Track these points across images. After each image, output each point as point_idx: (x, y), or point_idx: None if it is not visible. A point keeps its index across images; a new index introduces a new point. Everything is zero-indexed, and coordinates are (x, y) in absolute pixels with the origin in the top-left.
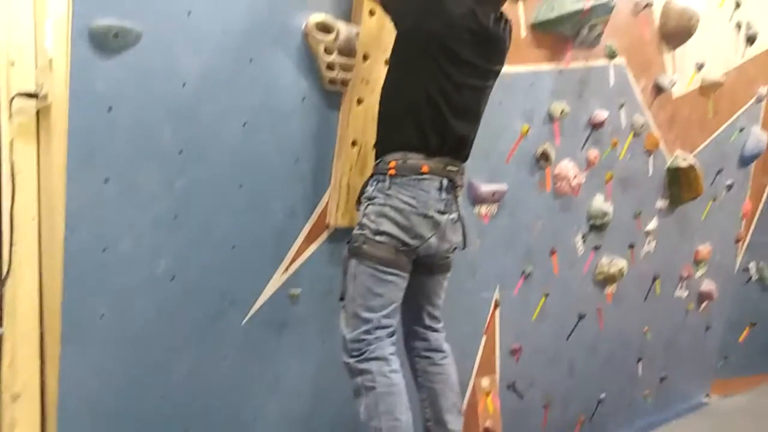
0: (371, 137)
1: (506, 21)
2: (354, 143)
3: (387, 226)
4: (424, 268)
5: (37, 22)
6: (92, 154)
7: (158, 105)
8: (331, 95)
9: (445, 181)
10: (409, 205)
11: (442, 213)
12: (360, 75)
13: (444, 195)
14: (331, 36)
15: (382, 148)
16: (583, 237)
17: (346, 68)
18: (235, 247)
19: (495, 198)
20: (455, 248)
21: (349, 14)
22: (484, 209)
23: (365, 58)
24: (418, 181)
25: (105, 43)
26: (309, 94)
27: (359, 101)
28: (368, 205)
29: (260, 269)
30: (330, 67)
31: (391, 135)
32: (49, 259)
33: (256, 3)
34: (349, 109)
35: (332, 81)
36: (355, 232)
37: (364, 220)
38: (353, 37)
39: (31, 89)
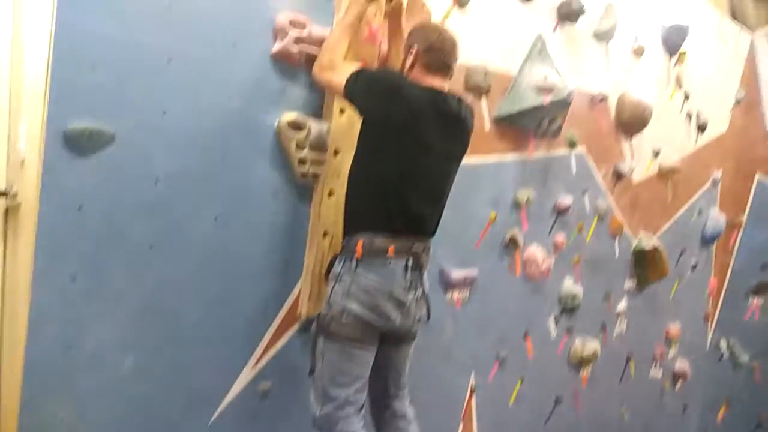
0: (341, 228)
1: (466, 105)
2: (325, 234)
3: (353, 306)
4: (390, 340)
5: (11, 123)
6: (60, 252)
7: (129, 202)
8: (303, 188)
9: (410, 261)
10: (375, 285)
11: (407, 291)
12: (331, 169)
13: (409, 274)
14: (303, 132)
15: (350, 227)
16: (555, 319)
17: (318, 163)
18: (204, 341)
19: (466, 283)
20: (420, 321)
21: (320, 111)
22: (456, 295)
23: (336, 152)
24: (384, 262)
25: (78, 144)
26: (281, 188)
27: (330, 194)
28: (335, 284)
29: (230, 364)
30: (302, 162)
31: (358, 215)
32: (9, 360)
33: (231, 102)
34: (321, 201)
35: (304, 175)
36: (323, 311)
37: (332, 300)
38: (324, 133)
39: (1, 188)
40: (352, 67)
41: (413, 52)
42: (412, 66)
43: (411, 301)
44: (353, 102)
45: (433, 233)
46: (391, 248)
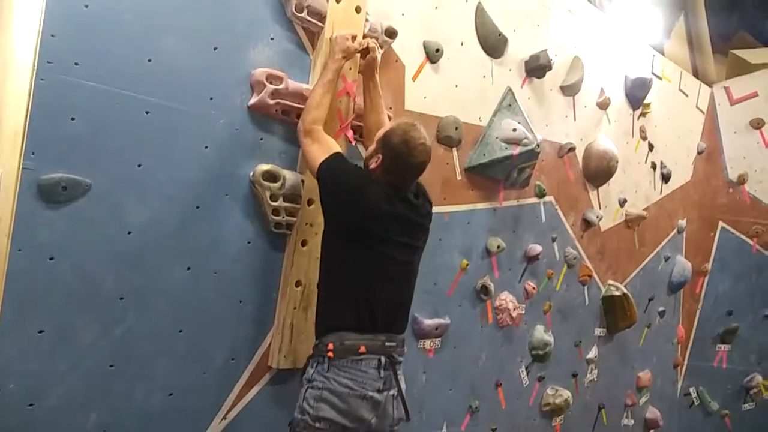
0: (315, 277)
1: (424, 196)
2: (298, 283)
3: (326, 412)
4: None
5: None
6: (28, 304)
7: (101, 253)
8: (277, 238)
9: (383, 359)
10: (348, 387)
11: (381, 391)
12: (305, 219)
13: (383, 372)
14: (278, 183)
15: (320, 328)
16: (527, 368)
17: (291, 213)
18: (172, 394)
19: (438, 332)
20: (399, 421)
21: (295, 163)
22: (428, 344)
23: (310, 203)
24: (356, 362)
25: (52, 195)
26: (254, 238)
27: (303, 243)
28: (308, 388)
29: (198, 417)
30: (276, 212)
31: (327, 315)
32: None
33: (207, 153)
34: (294, 251)
35: (278, 225)
36: (296, 415)
37: (304, 405)
38: (298, 185)
39: None
40: (329, 146)
41: (378, 160)
42: (376, 169)
43: (387, 401)
44: (319, 188)
45: (404, 328)
46: (362, 347)
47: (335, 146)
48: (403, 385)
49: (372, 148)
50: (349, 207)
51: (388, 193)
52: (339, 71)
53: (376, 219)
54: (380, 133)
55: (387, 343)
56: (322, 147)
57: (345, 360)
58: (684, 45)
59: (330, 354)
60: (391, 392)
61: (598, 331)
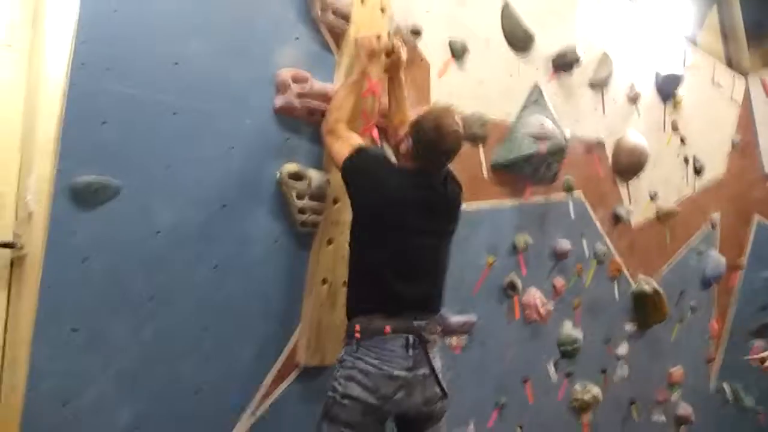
0: (341, 275)
1: (452, 181)
2: (324, 281)
3: (353, 390)
4: (409, 425)
5: (21, 177)
6: (63, 304)
7: (132, 254)
8: (303, 236)
9: (411, 338)
10: (375, 366)
11: (410, 370)
12: (330, 217)
13: (411, 351)
14: (304, 183)
15: (350, 311)
16: (555, 364)
17: (317, 212)
18: (202, 391)
19: (465, 329)
20: (438, 400)
21: (320, 163)
22: (454, 340)
23: (335, 201)
24: (383, 342)
25: (85, 197)
26: (281, 237)
27: (329, 241)
28: (339, 368)
29: (228, 413)
30: (302, 211)
31: (356, 300)
32: (7, 411)
33: (233, 154)
34: (320, 249)
35: (304, 224)
36: (328, 393)
37: (334, 384)
38: (324, 184)
39: (8, 239)
40: (352, 143)
41: (408, 144)
42: (404, 155)
43: (416, 380)
44: (345, 183)
45: (436, 309)
46: (388, 327)
47: (358, 140)
48: (437, 364)
49: (404, 131)
50: (373, 195)
51: (415, 179)
52: (364, 73)
53: (400, 205)
54: (413, 117)
55: (416, 322)
56: (345, 142)
57: (372, 340)
58: (717, 36)
59: (357, 335)
60: (422, 371)
61: (629, 327)
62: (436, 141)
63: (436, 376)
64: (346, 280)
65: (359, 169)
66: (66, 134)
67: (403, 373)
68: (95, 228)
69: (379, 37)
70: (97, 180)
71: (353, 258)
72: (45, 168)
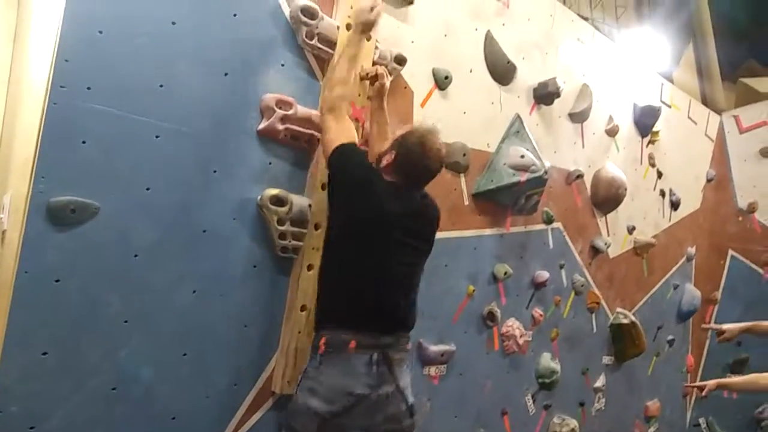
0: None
1: (432, 203)
2: (303, 308)
3: (312, 402)
4: None
5: None
6: (33, 326)
7: (108, 276)
8: (283, 261)
9: (375, 355)
10: (336, 381)
11: (373, 387)
12: (311, 243)
13: (375, 369)
14: (285, 208)
15: (318, 321)
16: (533, 396)
17: (298, 237)
18: (175, 418)
19: (444, 359)
20: (406, 417)
21: (302, 187)
22: (433, 370)
23: (317, 227)
24: (347, 357)
25: (61, 217)
26: (261, 262)
27: (309, 267)
28: (302, 379)
29: None
30: (282, 236)
31: (324, 310)
32: None
33: (215, 177)
34: (300, 275)
35: (284, 249)
36: (288, 405)
37: (296, 394)
38: (306, 209)
39: None
40: (349, 135)
41: (390, 158)
42: (387, 167)
43: (380, 398)
44: (330, 174)
45: (407, 327)
46: (353, 342)
47: (354, 135)
48: (404, 381)
49: (386, 146)
50: (356, 200)
51: (397, 193)
52: (361, 45)
53: (382, 216)
54: (398, 132)
55: (383, 339)
56: (343, 131)
57: (336, 355)
58: (693, 73)
59: (321, 348)
60: (386, 389)
61: (606, 360)
62: (420, 157)
63: (403, 393)
64: (317, 289)
65: (347, 167)
66: (44, 153)
67: (365, 391)
68: (70, 249)
69: (372, 8)
70: (75, 200)
71: (328, 264)
72: (21, 186)
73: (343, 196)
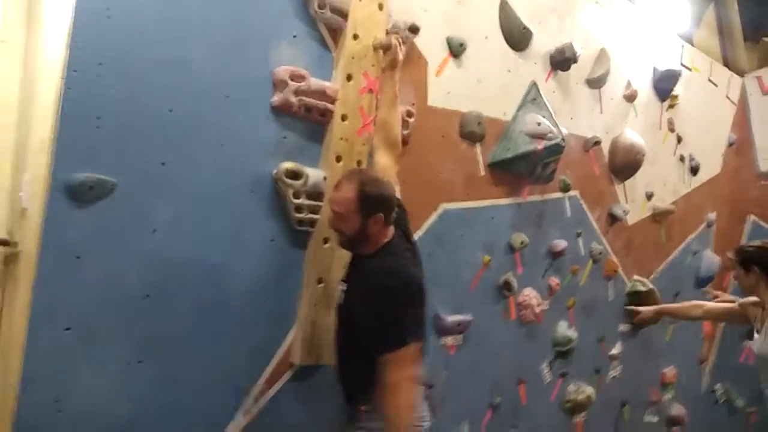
0: (336, 275)
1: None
2: (320, 281)
3: None
4: None
5: (14, 174)
6: (56, 302)
7: (127, 252)
8: (299, 235)
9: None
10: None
11: None
12: (327, 216)
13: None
14: (300, 181)
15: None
16: (549, 364)
17: (314, 210)
18: (196, 390)
19: (460, 328)
20: None
21: (317, 160)
22: (449, 340)
23: None
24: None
25: (80, 195)
26: (277, 235)
27: (325, 240)
28: None
29: (221, 412)
30: (298, 209)
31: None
32: (0, 409)
33: (230, 151)
34: (316, 248)
35: (300, 222)
36: None
37: None
38: (321, 182)
39: (2, 236)
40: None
41: (380, 220)
42: (381, 234)
43: None
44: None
45: None
46: None
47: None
48: None
49: (356, 221)
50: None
51: (412, 250)
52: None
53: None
54: (350, 203)
55: None
56: (406, 381)
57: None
58: (714, 34)
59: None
60: None
61: (623, 327)
62: (392, 195)
63: None
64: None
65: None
66: (61, 131)
67: None
68: (90, 226)
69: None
70: (92, 177)
71: (355, 368)
72: (40, 165)
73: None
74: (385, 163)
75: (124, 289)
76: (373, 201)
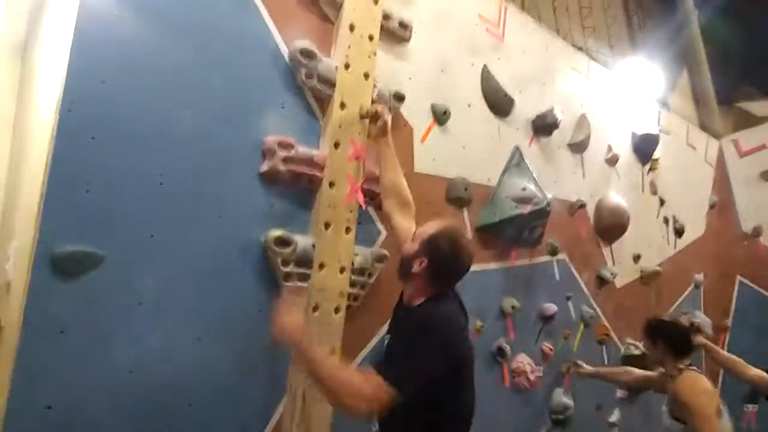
0: (327, 344)
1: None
2: None
3: None
4: None
5: (0, 244)
6: (38, 379)
7: (112, 326)
8: None
9: None
10: None
11: None
12: (316, 284)
13: None
14: (290, 248)
15: None
16: None
17: (303, 278)
18: None
19: None
20: None
21: (305, 228)
22: None
23: (321, 266)
24: None
25: (66, 267)
26: (266, 304)
27: (315, 308)
28: None
29: None
30: (287, 277)
31: None
32: None
33: (219, 220)
34: (305, 316)
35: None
36: None
37: None
38: (309, 249)
39: None
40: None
41: (423, 263)
42: (420, 273)
43: None
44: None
45: None
46: None
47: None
48: None
49: (414, 248)
50: (454, 370)
51: (457, 316)
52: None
53: (469, 352)
54: (423, 235)
55: None
56: (375, 384)
57: None
58: (689, 99)
59: None
60: None
61: (620, 393)
62: (455, 258)
63: None
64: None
65: (429, 375)
66: (49, 202)
67: None
68: (75, 299)
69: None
70: (80, 250)
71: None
72: (26, 236)
73: (443, 384)
74: (407, 226)
75: (109, 364)
76: (434, 249)
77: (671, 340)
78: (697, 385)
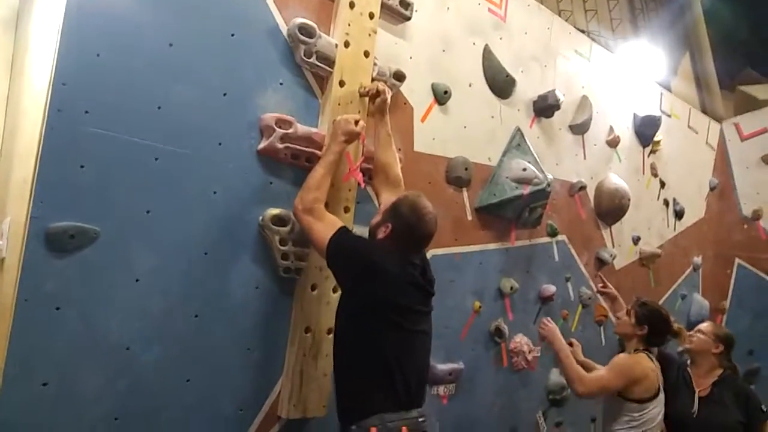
0: (325, 323)
1: (429, 266)
2: (308, 330)
3: None
4: None
5: None
6: (33, 356)
7: (108, 302)
8: (285, 282)
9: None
10: None
11: None
12: (314, 263)
13: None
14: (287, 228)
15: (356, 412)
16: (543, 413)
17: (300, 257)
18: None
19: (452, 377)
20: None
21: None
22: (442, 390)
23: None
24: None
25: (60, 243)
26: (263, 283)
27: (313, 287)
28: None
29: None
30: (284, 256)
31: (362, 402)
32: None
33: (216, 198)
34: (303, 295)
35: (287, 270)
36: None
37: None
38: None
39: None
40: (334, 225)
41: (387, 230)
42: (384, 239)
43: None
44: (331, 268)
45: (425, 398)
46: (405, 428)
47: (339, 222)
48: None
49: (378, 218)
50: (369, 281)
51: (402, 262)
52: (341, 153)
53: (397, 289)
54: (387, 203)
55: (419, 420)
56: (327, 224)
57: None
58: (691, 82)
59: None
60: None
61: None
62: (416, 224)
63: None
64: (338, 377)
65: (348, 253)
66: (42, 178)
67: None
68: (70, 275)
69: (357, 121)
70: (74, 226)
71: (354, 349)
72: (19, 212)
73: (355, 281)
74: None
75: (105, 341)
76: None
77: (653, 333)
78: (639, 359)
